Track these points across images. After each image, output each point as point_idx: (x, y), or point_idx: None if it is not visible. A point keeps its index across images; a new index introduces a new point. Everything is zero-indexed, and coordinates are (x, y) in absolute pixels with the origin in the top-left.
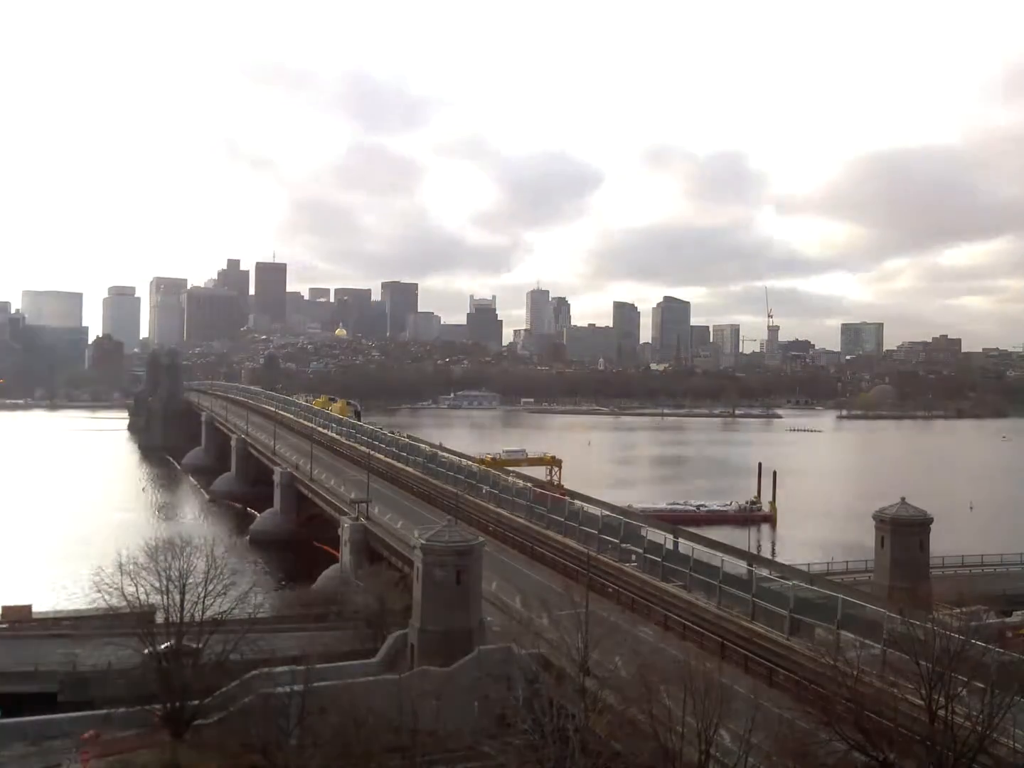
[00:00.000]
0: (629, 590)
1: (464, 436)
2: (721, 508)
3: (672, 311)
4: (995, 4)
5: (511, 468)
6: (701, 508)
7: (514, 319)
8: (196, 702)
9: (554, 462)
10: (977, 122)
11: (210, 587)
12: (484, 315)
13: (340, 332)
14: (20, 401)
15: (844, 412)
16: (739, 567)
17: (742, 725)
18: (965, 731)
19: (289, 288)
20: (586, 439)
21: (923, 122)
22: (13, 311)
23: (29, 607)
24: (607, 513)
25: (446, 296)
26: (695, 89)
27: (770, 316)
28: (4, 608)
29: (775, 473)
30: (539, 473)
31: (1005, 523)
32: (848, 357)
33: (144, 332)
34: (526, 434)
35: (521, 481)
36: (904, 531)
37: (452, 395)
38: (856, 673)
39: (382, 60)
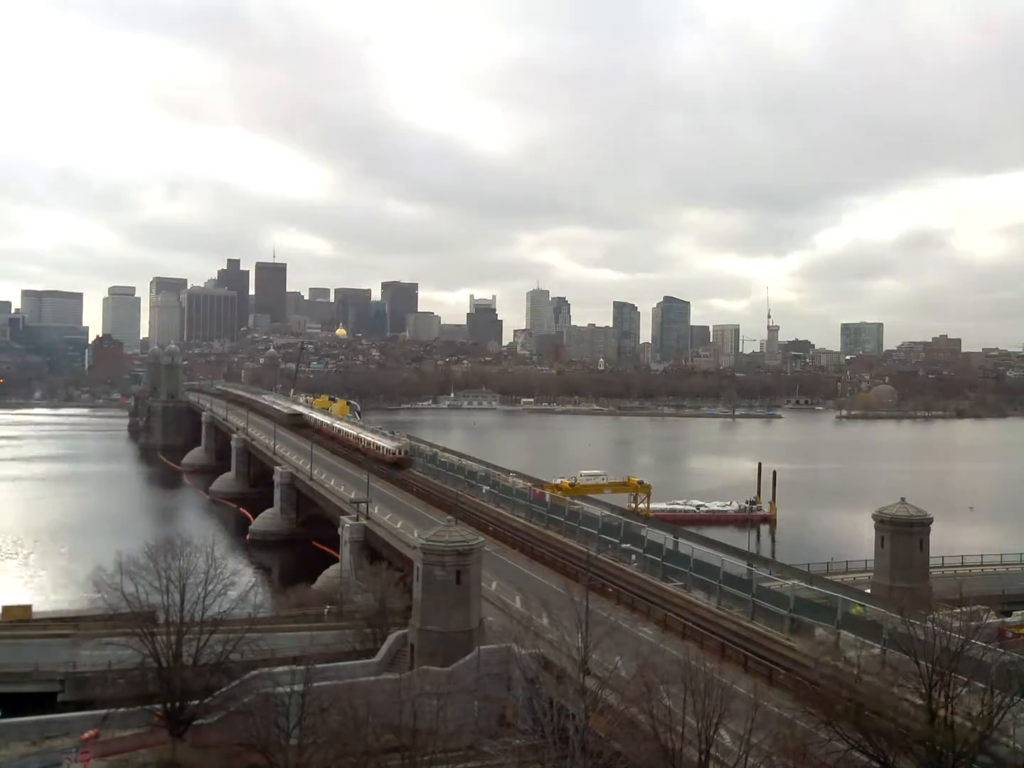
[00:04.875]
0: (629, 590)
1: (464, 436)
2: (721, 508)
3: (672, 311)
4: None
5: (592, 496)
6: (701, 508)
7: (514, 320)
8: (196, 702)
9: (641, 488)
10: None
11: (210, 587)
12: (484, 315)
13: (340, 332)
14: (20, 401)
15: (844, 412)
16: (739, 567)
17: (742, 725)
18: (965, 731)
19: (289, 288)
20: (587, 440)
21: None
22: (13, 311)
23: (29, 607)
24: (607, 513)
25: None
26: None
27: (769, 317)
28: (4, 608)
29: (775, 473)
30: (621, 500)
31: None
32: (848, 357)
33: (144, 332)
34: (526, 436)
35: (521, 480)
36: (904, 531)
37: (452, 395)
38: (856, 673)
39: None
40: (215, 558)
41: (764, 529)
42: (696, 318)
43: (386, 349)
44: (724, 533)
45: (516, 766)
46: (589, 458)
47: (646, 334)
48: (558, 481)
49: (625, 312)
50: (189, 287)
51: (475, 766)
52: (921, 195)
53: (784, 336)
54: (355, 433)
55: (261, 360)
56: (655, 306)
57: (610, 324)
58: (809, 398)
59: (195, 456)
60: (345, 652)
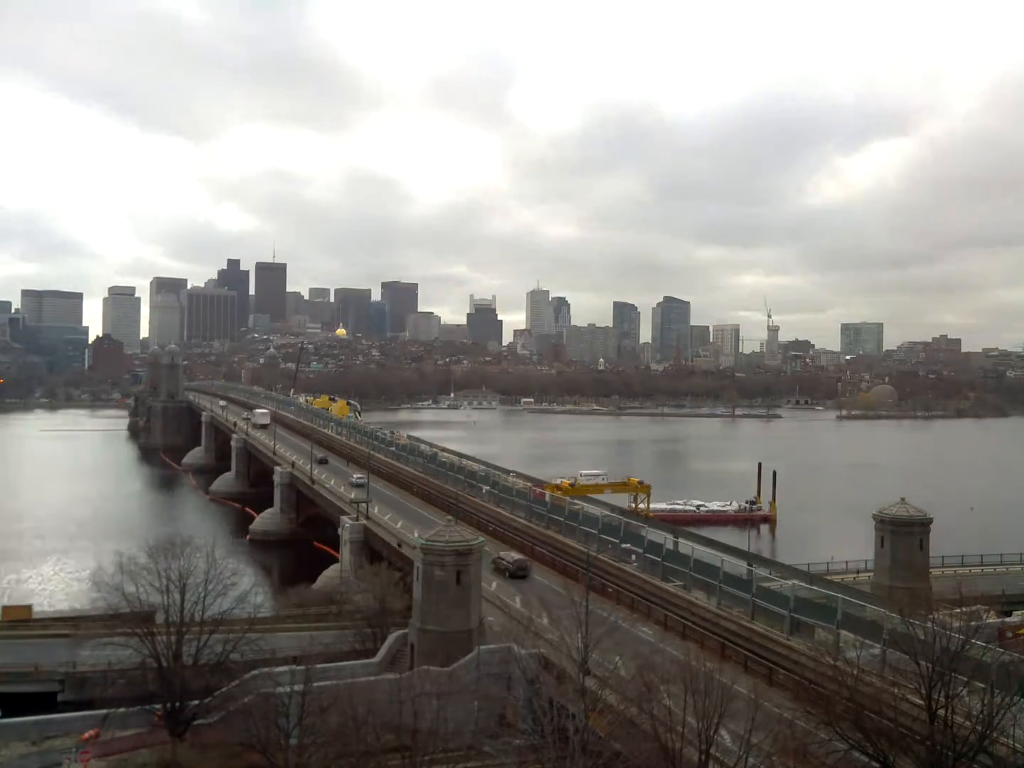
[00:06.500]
0: (629, 590)
1: (464, 436)
2: (721, 508)
3: (672, 311)
4: None
5: (592, 496)
6: (701, 508)
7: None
8: (196, 702)
9: (641, 488)
10: None
11: (210, 587)
12: (484, 315)
13: (340, 332)
14: (20, 401)
15: (844, 412)
16: (739, 567)
17: (742, 725)
18: (965, 731)
19: (289, 288)
20: (587, 440)
21: None
22: (13, 311)
23: (29, 607)
24: (607, 513)
25: None
26: None
27: (769, 316)
28: (4, 608)
29: (775, 473)
30: (621, 500)
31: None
32: (848, 357)
33: (144, 332)
34: (526, 436)
35: (521, 481)
36: (904, 531)
37: (452, 395)
38: (856, 673)
39: None
40: (215, 558)
41: (764, 529)
42: (697, 316)
43: (386, 349)
44: (724, 533)
45: (516, 766)
46: (589, 458)
47: (646, 334)
48: (558, 481)
49: (625, 312)
50: (189, 287)
51: (475, 766)
52: None
53: (784, 336)
54: None
55: (261, 360)
56: (655, 306)
57: (610, 324)
58: (809, 398)
59: (195, 456)
60: (345, 652)
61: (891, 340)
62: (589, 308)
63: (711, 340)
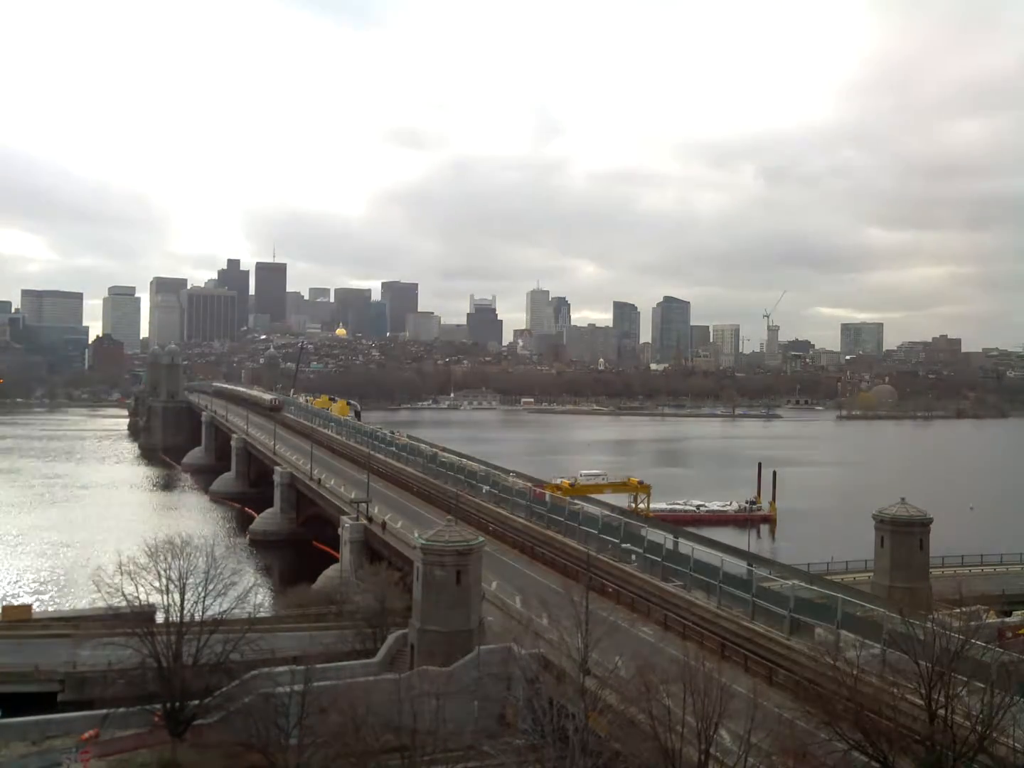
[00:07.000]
0: (629, 590)
1: (464, 436)
2: (721, 508)
3: (672, 311)
4: None
5: (592, 496)
6: (701, 508)
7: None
8: (196, 702)
9: (641, 488)
10: None
11: (210, 587)
12: (484, 315)
13: (340, 332)
14: (20, 401)
15: (844, 412)
16: (739, 567)
17: (742, 725)
18: (965, 731)
19: (289, 288)
20: (587, 440)
21: None
22: (13, 311)
23: (29, 607)
24: (607, 513)
25: None
26: None
27: (767, 316)
28: (4, 608)
29: (775, 473)
30: (621, 500)
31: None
32: (848, 357)
33: (144, 332)
34: (526, 436)
35: (521, 481)
36: (904, 531)
37: (452, 395)
38: (856, 673)
39: None
40: (215, 558)
41: (764, 529)
42: (696, 317)
43: (386, 349)
44: (724, 533)
45: (516, 766)
46: (589, 458)
47: (646, 334)
48: (558, 481)
49: (625, 312)
50: (189, 287)
51: (475, 766)
52: None
53: (784, 336)
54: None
55: (261, 360)
56: (655, 306)
57: (610, 324)
58: (809, 398)
59: (195, 456)
60: (345, 652)
61: (891, 340)
62: (589, 308)
63: (711, 340)
